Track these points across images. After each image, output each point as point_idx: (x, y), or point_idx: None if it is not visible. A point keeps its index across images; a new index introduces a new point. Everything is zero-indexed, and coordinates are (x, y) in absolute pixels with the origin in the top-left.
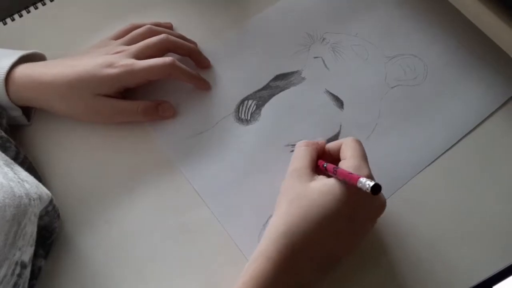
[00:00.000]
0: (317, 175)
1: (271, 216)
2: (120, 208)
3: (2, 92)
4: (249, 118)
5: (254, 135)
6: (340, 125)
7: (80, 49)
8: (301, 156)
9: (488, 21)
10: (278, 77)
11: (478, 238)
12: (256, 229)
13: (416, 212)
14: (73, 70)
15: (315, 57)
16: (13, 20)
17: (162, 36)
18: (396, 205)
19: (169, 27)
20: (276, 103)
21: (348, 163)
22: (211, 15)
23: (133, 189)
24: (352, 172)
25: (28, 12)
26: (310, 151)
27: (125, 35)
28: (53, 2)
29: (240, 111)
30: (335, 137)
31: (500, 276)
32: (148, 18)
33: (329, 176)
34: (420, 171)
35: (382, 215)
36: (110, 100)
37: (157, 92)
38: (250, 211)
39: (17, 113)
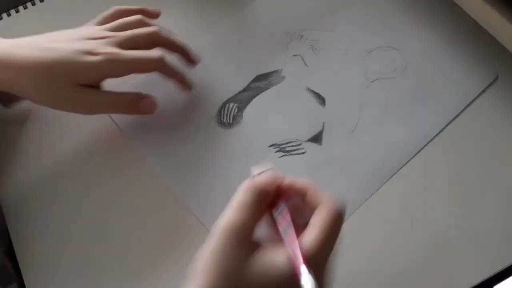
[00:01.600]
0: (258, 242)
1: None
2: (117, 209)
3: None
4: (231, 121)
5: (237, 138)
6: (323, 123)
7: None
8: (246, 205)
9: (489, 18)
10: (258, 78)
11: (478, 237)
12: None
13: (414, 212)
14: (48, 54)
15: (294, 55)
16: (9, 15)
17: (153, 28)
18: (392, 205)
19: (157, 13)
20: (257, 104)
21: (310, 237)
22: (198, 11)
23: (127, 189)
24: (305, 252)
25: (25, 8)
26: (260, 198)
27: (110, 21)
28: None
29: (222, 115)
30: (319, 135)
31: (500, 276)
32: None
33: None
34: (407, 163)
35: (377, 215)
36: (89, 91)
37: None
38: None
39: None
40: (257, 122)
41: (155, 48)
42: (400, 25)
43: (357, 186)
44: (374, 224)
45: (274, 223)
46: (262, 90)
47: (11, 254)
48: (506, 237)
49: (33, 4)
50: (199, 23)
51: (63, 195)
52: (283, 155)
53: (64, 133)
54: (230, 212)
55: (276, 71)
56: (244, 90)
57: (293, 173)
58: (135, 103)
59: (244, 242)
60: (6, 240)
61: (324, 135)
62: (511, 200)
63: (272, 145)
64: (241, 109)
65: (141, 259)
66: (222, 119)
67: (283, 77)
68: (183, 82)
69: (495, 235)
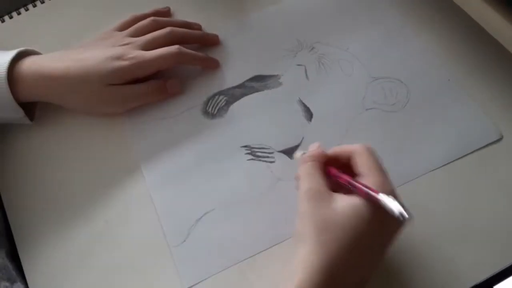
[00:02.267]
0: (333, 192)
1: (206, 213)
2: (117, 209)
3: (5, 90)
4: (215, 112)
5: (215, 130)
6: (302, 138)
7: (83, 41)
8: (312, 173)
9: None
10: (255, 78)
11: (478, 238)
12: (188, 221)
13: (414, 212)
14: (84, 63)
15: (298, 65)
16: (11, 17)
17: (168, 30)
18: None
19: (167, 11)
20: (246, 103)
21: (370, 179)
22: (208, 12)
23: (131, 190)
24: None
25: (27, 10)
26: (318, 166)
27: (128, 27)
28: (51, 1)
29: (208, 104)
30: (294, 149)
31: (500, 276)
32: None
33: (344, 188)
34: None
35: None
36: (120, 87)
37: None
38: (189, 203)
39: (19, 115)
40: (240, 120)
41: None
42: (415, 61)
43: None
44: None
45: (335, 184)
46: (255, 90)
47: (12, 254)
48: (506, 237)
49: (34, 5)
50: (216, 19)
51: (65, 196)
52: (252, 159)
53: (64, 138)
54: (302, 183)
55: (275, 76)
56: (238, 86)
57: (255, 180)
58: (163, 87)
59: (322, 198)
60: (7, 241)
61: (300, 149)
62: (511, 199)
63: (245, 146)
64: (228, 103)
65: (145, 261)
66: (207, 109)
67: (280, 83)
68: (207, 62)
69: (495, 234)
